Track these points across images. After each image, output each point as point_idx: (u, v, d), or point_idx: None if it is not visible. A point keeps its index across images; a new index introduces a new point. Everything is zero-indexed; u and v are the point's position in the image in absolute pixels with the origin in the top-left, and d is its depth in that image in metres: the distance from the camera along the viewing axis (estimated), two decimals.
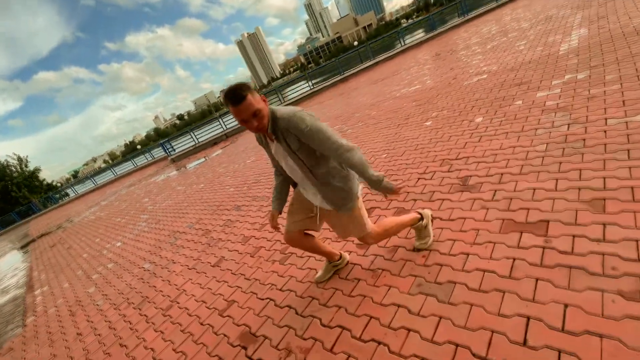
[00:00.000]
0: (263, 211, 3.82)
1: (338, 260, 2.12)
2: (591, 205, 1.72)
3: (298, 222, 1.84)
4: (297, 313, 1.94)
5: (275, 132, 1.49)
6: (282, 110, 1.48)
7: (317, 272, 2.19)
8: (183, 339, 2.20)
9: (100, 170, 26.78)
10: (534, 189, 2.03)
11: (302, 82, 16.56)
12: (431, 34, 15.45)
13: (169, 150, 16.09)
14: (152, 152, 21.75)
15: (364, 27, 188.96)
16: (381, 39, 17.61)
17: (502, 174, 2.35)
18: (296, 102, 14.60)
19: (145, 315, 2.75)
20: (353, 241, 2.37)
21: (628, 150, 1.99)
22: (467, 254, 1.78)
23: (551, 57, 4.44)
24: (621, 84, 2.85)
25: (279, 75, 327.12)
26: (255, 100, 1.39)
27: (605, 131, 2.29)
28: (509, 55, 5.55)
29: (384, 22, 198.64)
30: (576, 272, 1.41)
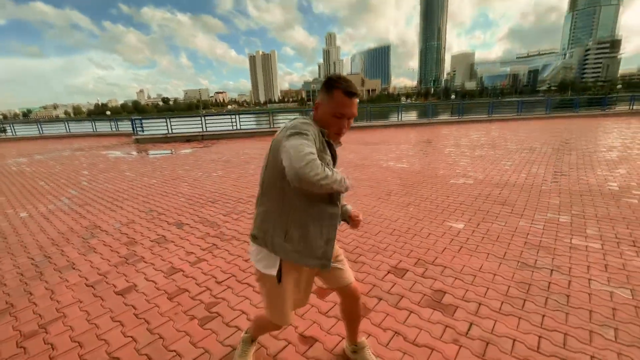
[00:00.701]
0: (207, 242, 3.28)
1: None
2: None
3: (299, 304, 1.46)
4: None
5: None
6: None
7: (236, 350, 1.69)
8: None
9: (55, 120, 24.25)
10: (514, 340, 1.77)
11: (298, 115, 16.61)
12: (425, 120, 16.50)
13: (138, 128, 14.95)
14: (119, 123, 20.22)
15: (368, 90, 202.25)
16: (384, 106, 18.58)
17: (480, 304, 2.09)
18: None
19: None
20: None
21: (615, 330, 1.82)
22: None
23: (534, 188, 4.60)
24: (602, 244, 2.85)
25: (277, 100, 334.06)
26: None
27: (589, 294, 2.15)
28: (495, 170, 5.76)
29: (386, 92, 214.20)
30: None
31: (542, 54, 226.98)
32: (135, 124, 14.96)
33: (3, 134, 21.77)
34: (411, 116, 18.44)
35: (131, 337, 1.93)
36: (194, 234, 3.50)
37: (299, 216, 1.23)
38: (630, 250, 2.71)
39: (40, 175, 7.43)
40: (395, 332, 1.86)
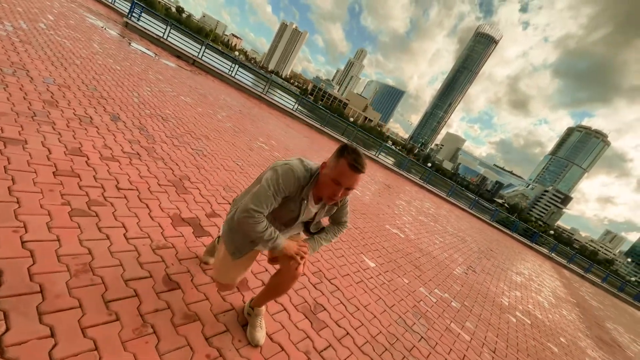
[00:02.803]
0: (132, 148, 2.97)
1: None
2: None
3: (243, 273, 1.62)
4: None
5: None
6: None
7: (200, 256, 1.56)
8: None
9: None
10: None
11: (292, 99, 16.34)
12: (396, 168, 17.18)
13: (134, 13, 13.59)
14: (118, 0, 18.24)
15: (366, 118, 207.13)
16: (370, 136, 19.03)
17: (347, 334, 2.11)
18: (275, 109, 14.08)
19: None
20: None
21: None
22: None
23: (447, 269, 4.91)
24: (471, 339, 3.08)
25: (283, 77, 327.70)
26: None
27: None
28: (426, 239, 6.09)
29: (379, 128, 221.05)
30: None
31: (513, 175, 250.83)
32: (134, 6, 13.60)
33: None
34: (386, 159, 19.07)
35: None
36: (124, 134, 3.18)
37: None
38: (488, 355, 2.96)
39: None
40: None
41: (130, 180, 2.43)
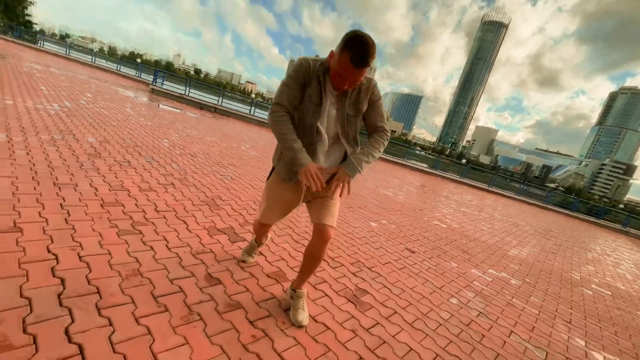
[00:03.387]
0: (167, 180, 3.24)
1: (264, 241, 2.12)
2: None
3: (279, 217, 1.74)
4: (58, 295, 1.35)
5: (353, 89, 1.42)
6: None
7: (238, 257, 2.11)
8: None
9: (85, 50, 24.65)
10: (411, 349, 1.71)
11: None
12: (427, 169, 16.69)
13: (158, 80, 15.10)
14: (143, 73, 20.46)
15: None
16: (395, 143, 18.90)
17: (394, 312, 2.04)
18: None
19: None
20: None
21: None
22: None
23: (500, 250, 4.58)
24: (539, 311, 2.81)
25: None
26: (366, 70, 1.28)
27: (504, 341, 2.11)
28: (472, 226, 5.76)
29: (405, 137, 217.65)
30: None
31: (561, 155, 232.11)
32: (157, 75, 15.13)
33: (33, 44, 22.02)
34: (416, 161, 18.65)
35: (45, 219, 1.89)
36: (158, 170, 3.47)
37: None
38: (563, 325, 2.67)
39: (45, 83, 7.44)
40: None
41: (167, 204, 2.63)
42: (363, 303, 2.04)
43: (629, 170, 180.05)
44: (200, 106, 13.97)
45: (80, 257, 1.64)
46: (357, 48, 1.19)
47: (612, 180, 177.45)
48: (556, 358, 2.11)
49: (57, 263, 1.55)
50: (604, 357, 2.35)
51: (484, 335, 2.10)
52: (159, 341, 1.28)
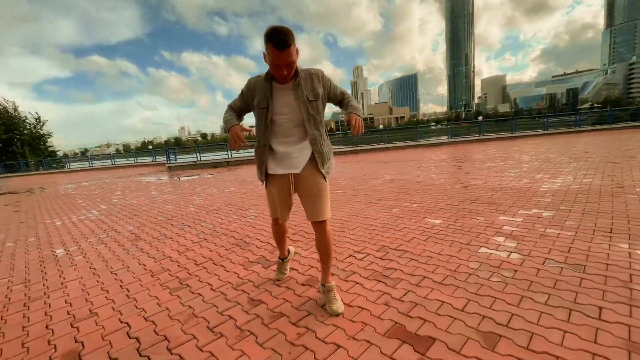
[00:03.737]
0: (199, 237, 3.62)
1: (288, 255, 2.36)
2: (484, 337, 1.53)
3: (286, 213, 1.98)
4: (137, 349, 1.67)
5: (296, 79, 1.67)
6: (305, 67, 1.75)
7: (269, 278, 2.35)
8: (16, 335, 1.90)
9: (105, 156, 27.09)
10: (442, 302, 1.86)
11: None
12: (444, 140, 16.38)
13: (171, 157, 16.30)
14: (157, 155, 22.13)
15: (397, 117, 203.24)
16: (401, 128, 18.80)
17: (424, 277, 2.19)
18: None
19: (9, 298, 2.44)
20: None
21: (549, 295, 1.84)
22: (338, 347, 1.55)
23: (531, 190, 4.52)
24: (576, 232, 2.80)
25: None
26: (295, 51, 1.54)
27: (538, 269, 2.17)
28: (497, 177, 5.69)
29: (415, 119, 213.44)
30: None
31: (581, 73, 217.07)
32: (168, 153, 16.36)
33: (60, 168, 24.61)
34: (441, 138, 18.36)
35: (111, 300, 2.26)
36: (190, 232, 3.88)
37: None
38: (603, 237, 2.65)
39: (81, 196, 8.39)
40: None
41: (204, 256, 2.98)
42: (392, 279, 2.21)
43: None
44: (214, 165, 14.85)
45: (145, 318, 1.97)
46: (274, 36, 1.45)
47: None
48: (596, 267, 2.13)
49: (130, 328, 1.88)
50: None
51: (516, 271, 2.18)
52: (222, 358, 1.54)
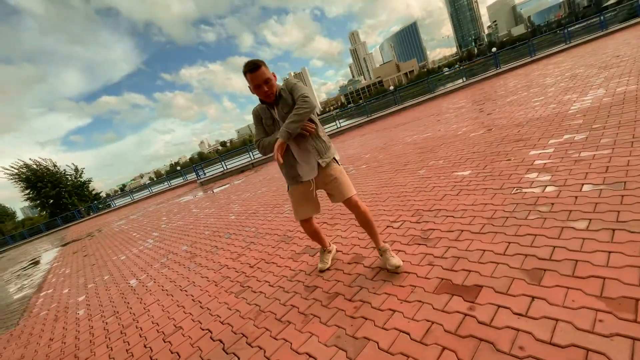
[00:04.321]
0: (246, 242, 3.90)
1: (330, 248, 2.52)
2: (529, 275, 1.61)
3: (309, 210, 2.21)
4: (223, 349, 1.93)
5: (279, 98, 1.95)
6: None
7: (317, 265, 2.51)
8: (124, 358, 2.25)
9: (140, 187, 28.86)
10: (484, 251, 1.94)
11: (331, 123, 17.23)
12: (459, 84, 15.60)
13: (200, 173, 17.06)
14: (187, 174, 23.21)
15: (406, 73, 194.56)
16: (409, 85, 18.11)
17: (462, 231, 2.27)
18: (334, 136, 15.04)
19: (107, 329, 2.85)
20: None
21: (589, 220, 1.86)
22: (394, 311, 1.70)
23: (559, 115, 4.31)
24: (613, 149, 2.70)
25: (318, 113, 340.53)
26: (267, 71, 1.86)
27: (576, 197, 2.16)
28: (522, 111, 5.44)
29: (426, 69, 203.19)
30: (483, 346, 1.30)
31: None
32: (197, 170, 17.12)
33: (108, 208, 26.60)
34: (448, 85, 17.55)
35: (189, 313, 2.57)
36: (237, 239, 4.18)
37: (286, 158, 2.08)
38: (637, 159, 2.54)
39: (134, 229, 9.15)
40: (380, 269, 2.16)
41: (255, 258, 3.23)
42: (431, 239, 2.31)
43: None
44: (241, 170, 15.35)
45: (222, 322, 2.24)
46: (246, 65, 1.83)
47: None
48: (637, 180, 2.09)
49: (211, 333, 2.16)
50: None
51: (553, 204, 2.18)
52: (295, 342, 1.75)
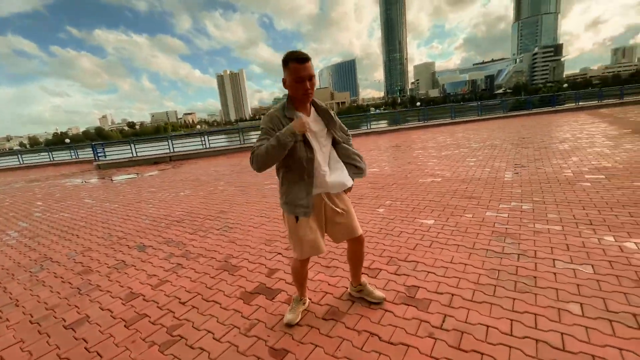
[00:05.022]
0: (171, 262, 3.07)
1: (305, 299, 2.09)
2: None
3: (320, 240, 1.78)
4: None
5: (317, 110, 1.74)
6: None
7: (284, 316, 1.99)
8: None
9: (7, 153, 22.67)
10: (488, 327, 1.75)
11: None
12: (394, 127, 16.99)
13: (99, 154, 14.21)
14: (79, 151, 19.18)
15: (338, 103, 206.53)
16: (353, 116, 18.96)
17: (452, 295, 2.07)
18: None
19: None
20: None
21: (581, 305, 1.85)
22: None
23: (498, 180, 4.77)
24: (562, 226, 2.96)
25: (248, 118, 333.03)
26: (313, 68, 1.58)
27: (554, 274, 2.20)
28: (461, 167, 5.95)
29: (355, 104, 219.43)
30: None
31: (496, 61, 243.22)
32: (96, 149, 14.23)
33: None
34: (380, 125, 18.90)
35: None
36: (157, 255, 3.28)
37: (287, 182, 1.71)
38: (587, 229, 2.83)
39: None
40: (370, 334, 1.78)
41: (187, 290, 2.49)
42: (421, 301, 2.05)
43: (557, 50, 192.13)
44: (154, 161, 13.35)
45: None
46: (294, 53, 1.54)
47: (547, 65, 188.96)
48: (602, 266, 2.23)
49: None
50: (635, 243, 2.51)
51: (535, 277, 2.17)
52: None
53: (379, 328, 1.83)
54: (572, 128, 10.17)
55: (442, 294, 2.10)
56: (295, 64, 1.53)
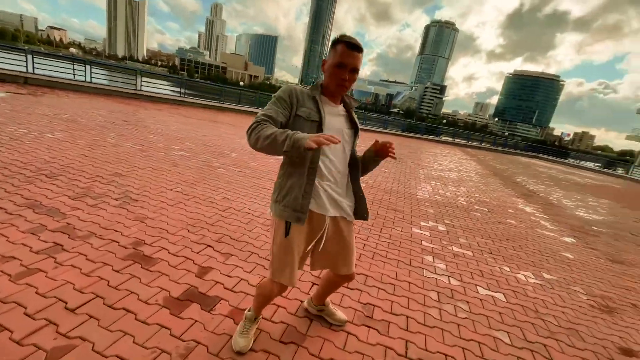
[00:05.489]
0: (42, 240, 2.14)
1: (259, 319, 1.70)
2: None
3: (299, 267, 1.47)
4: None
5: (346, 104, 1.51)
6: None
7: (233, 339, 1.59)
8: None
9: None
10: (446, 356, 1.78)
11: (167, 84, 14.29)
12: None
13: None
14: None
15: (251, 75, 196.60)
16: (263, 93, 17.98)
17: (407, 317, 2.06)
18: (160, 102, 12.04)
19: None
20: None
21: (508, 334, 2.09)
22: None
23: (412, 197, 5.24)
24: (472, 251, 3.40)
25: (141, 59, 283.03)
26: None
27: (481, 299, 2.46)
28: (381, 177, 6.33)
29: (268, 82, 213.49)
30: None
31: (398, 83, 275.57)
32: None
33: None
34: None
35: None
36: (16, 225, 2.25)
37: (286, 176, 1.39)
38: (490, 258, 3.33)
39: None
40: None
41: (77, 289, 1.75)
42: (379, 322, 1.96)
43: (442, 90, 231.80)
44: (1, 78, 9.69)
45: None
46: (349, 38, 1.34)
47: (432, 100, 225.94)
48: (510, 295, 2.62)
49: None
50: (524, 275, 3.07)
51: (468, 302, 2.38)
52: None
53: (347, 356, 1.64)
54: (453, 160, 12.26)
55: (397, 315, 2.07)
56: (345, 47, 1.32)
